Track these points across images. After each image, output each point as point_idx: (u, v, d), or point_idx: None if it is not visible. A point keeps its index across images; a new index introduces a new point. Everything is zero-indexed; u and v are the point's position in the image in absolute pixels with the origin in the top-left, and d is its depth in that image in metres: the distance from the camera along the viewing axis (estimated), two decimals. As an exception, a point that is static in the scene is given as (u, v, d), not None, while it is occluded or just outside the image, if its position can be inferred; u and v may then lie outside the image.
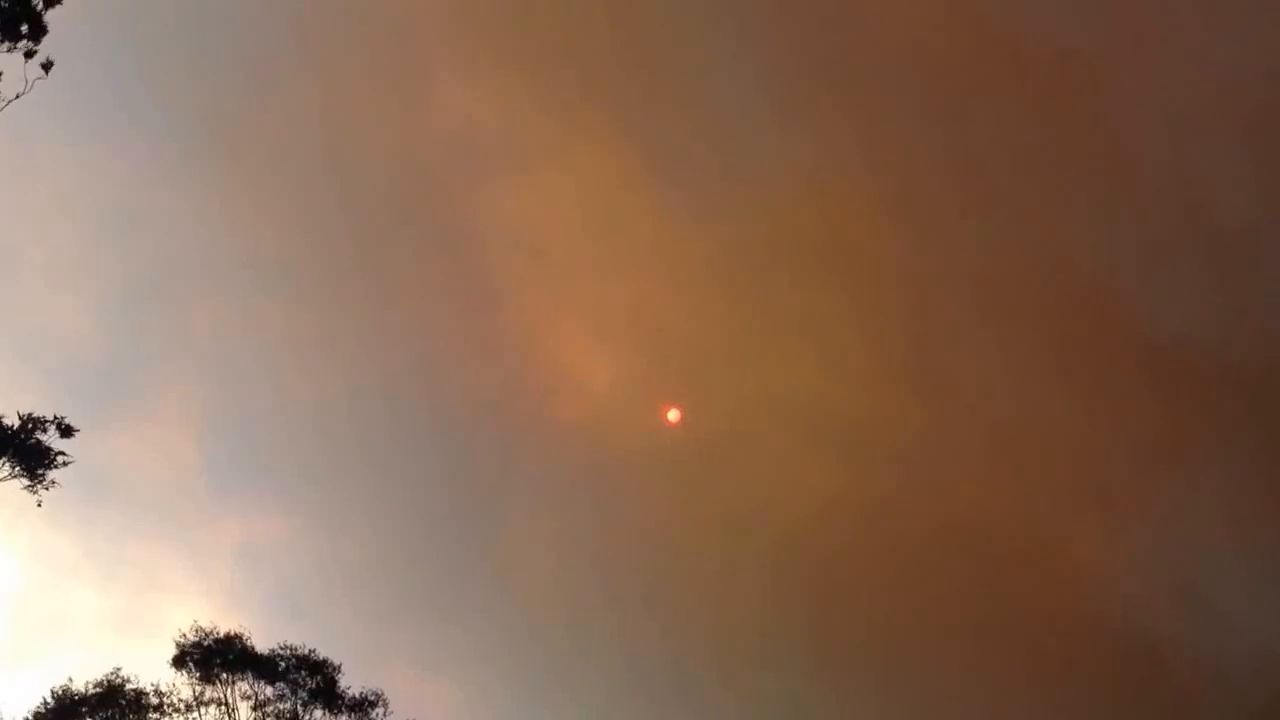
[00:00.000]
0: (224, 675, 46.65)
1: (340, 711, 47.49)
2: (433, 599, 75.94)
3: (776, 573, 74.66)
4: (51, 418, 30.10)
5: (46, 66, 28.35)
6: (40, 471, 29.85)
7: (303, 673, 46.96)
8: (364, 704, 47.40)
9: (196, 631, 46.38)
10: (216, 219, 76.67)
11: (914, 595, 72.50)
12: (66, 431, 29.84)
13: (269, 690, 46.87)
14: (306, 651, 47.22)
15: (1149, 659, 64.69)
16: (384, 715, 47.53)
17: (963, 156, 74.58)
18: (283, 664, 47.00)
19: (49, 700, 44.28)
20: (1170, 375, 69.04)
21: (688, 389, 78.46)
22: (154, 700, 45.61)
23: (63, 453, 30.14)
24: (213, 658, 46.39)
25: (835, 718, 70.58)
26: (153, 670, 46.59)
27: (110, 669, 45.35)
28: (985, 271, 74.33)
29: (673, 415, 77.04)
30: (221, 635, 46.55)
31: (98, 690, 44.90)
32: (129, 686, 45.40)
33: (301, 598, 73.47)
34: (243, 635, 46.71)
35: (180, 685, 46.08)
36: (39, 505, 30.13)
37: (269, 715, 46.85)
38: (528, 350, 79.61)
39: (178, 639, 46.24)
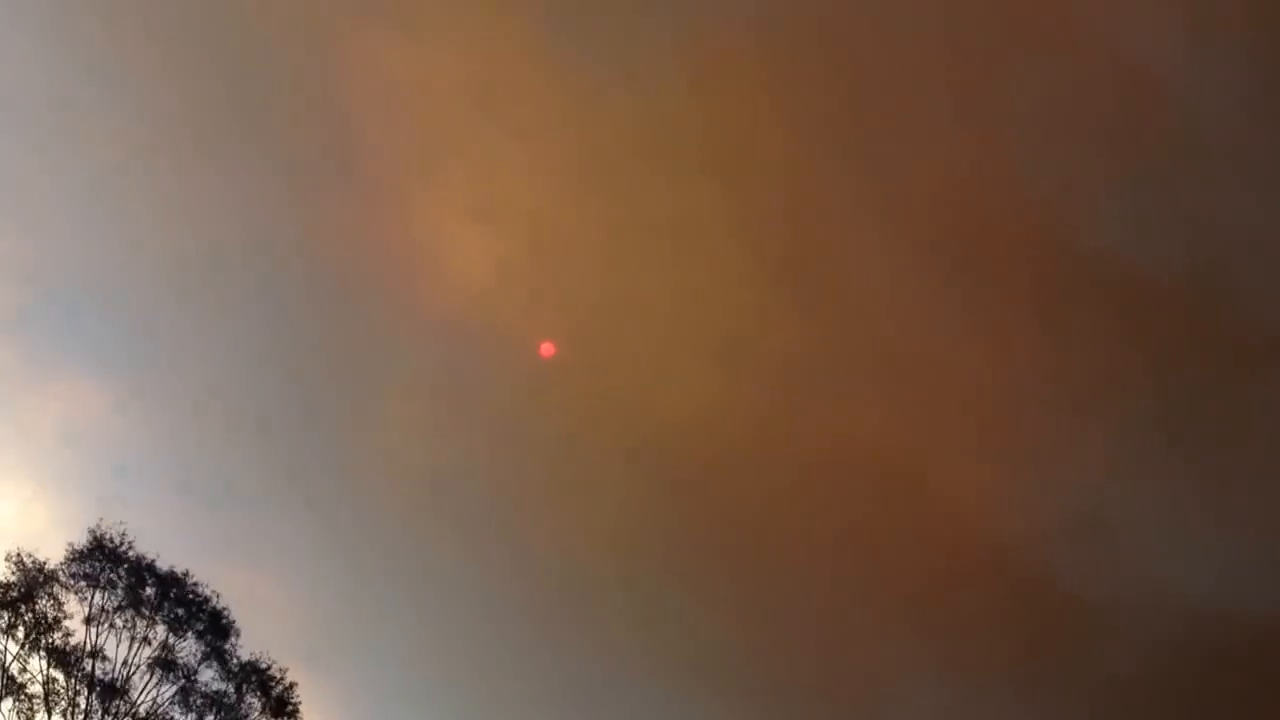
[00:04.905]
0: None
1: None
2: (269, 486, 69.35)
3: (638, 482, 70.53)
4: None
5: None
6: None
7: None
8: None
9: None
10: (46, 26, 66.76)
11: (789, 513, 69.51)
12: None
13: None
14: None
15: (1042, 591, 62.36)
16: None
17: (866, 46, 68.61)
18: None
19: None
20: (1084, 294, 65.21)
21: (552, 284, 72.35)
22: None
23: None
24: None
25: (700, 631, 66.71)
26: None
27: None
28: (882, 172, 69.32)
29: (546, 349, 71.33)
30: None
31: None
32: None
33: (125, 478, 66.26)
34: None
35: None
36: None
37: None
38: (388, 226, 72.70)
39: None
